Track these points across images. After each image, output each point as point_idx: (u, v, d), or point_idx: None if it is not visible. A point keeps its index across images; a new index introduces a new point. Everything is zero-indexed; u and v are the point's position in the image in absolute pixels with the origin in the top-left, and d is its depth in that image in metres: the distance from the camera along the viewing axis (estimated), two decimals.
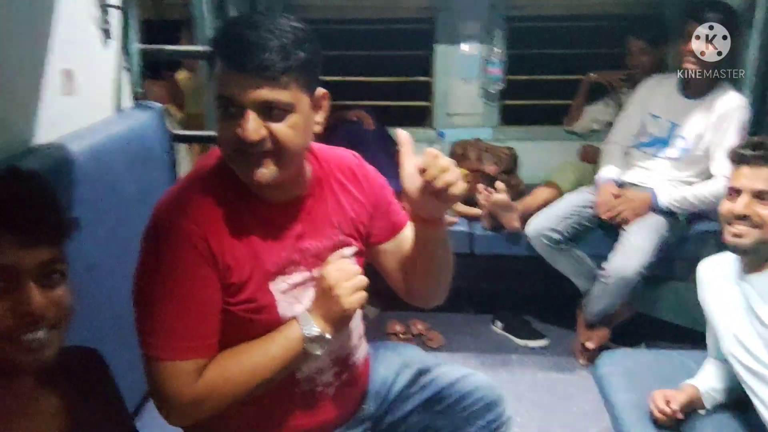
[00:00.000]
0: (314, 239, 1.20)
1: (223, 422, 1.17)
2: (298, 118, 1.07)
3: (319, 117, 1.14)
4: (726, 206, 1.47)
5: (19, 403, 0.87)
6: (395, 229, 1.32)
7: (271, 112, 1.04)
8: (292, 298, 1.16)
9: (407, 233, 1.31)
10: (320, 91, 1.13)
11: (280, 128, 1.05)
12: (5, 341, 0.81)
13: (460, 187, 1.07)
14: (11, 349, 0.82)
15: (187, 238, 1.07)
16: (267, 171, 1.07)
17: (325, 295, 1.13)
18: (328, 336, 1.12)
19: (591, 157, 2.93)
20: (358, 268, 1.16)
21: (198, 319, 1.08)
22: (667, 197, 2.43)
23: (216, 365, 1.10)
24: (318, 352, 1.13)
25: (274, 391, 1.16)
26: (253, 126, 1.03)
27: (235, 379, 1.10)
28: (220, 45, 1.06)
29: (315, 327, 1.11)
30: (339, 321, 1.13)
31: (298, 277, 1.17)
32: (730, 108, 2.37)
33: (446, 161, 1.06)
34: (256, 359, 1.11)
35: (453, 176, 1.05)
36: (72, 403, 0.94)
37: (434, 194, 1.07)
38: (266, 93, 1.03)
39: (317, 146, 1.25)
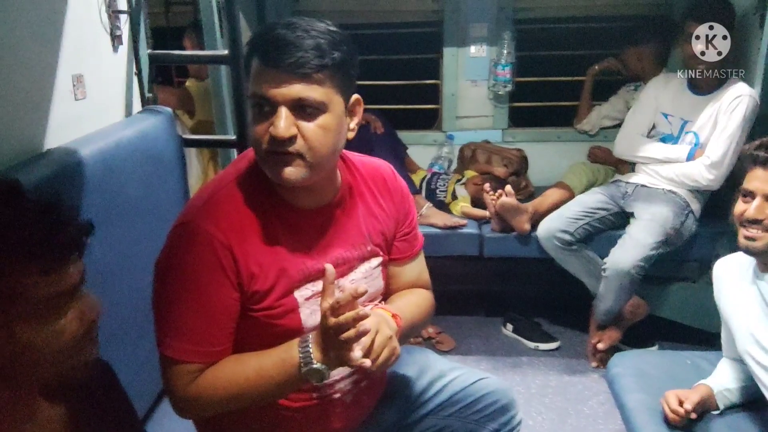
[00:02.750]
0: (343, 248, 1.19)
1: (238, 424, 1.18)
2: (329, 119, 1.07)
3: (353, 123, 1.14)
4: (739, 209, 1.45)
5: (21, 415, 0.85)
6: (406, 256, 1.32)
7: (303, 110, 1.05)
8: (316, 305, 1.15)
9: (411, 266, 1.33)
10: (355, 96, 1.13)
11: (310, 127, 1.05)
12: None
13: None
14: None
15: (209, 245, 1.07)
16: (296, 171, 1.06)
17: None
18: (327, 372, 1.07)
19: (600, 158, 2.92)
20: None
21: (207, 326, 1.09)
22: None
23: (215, 370, 1.10)
24: (315, 383, 1.10)
25: (291, 396, 1.16)
26: (285, 123, 1.03)
27: (225, 390, 1.10)
28: (257, 44, 1.07)
29: (314, 362, 1.05)
30: (342, 363, 1.09)
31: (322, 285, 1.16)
32: (736, 96, 2.35)
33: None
34: (249, 374, 1.09)
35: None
36: (78, 415, 0.93)
37: None
38: (299, 90, 1.03)
39: (350, 154, 1.25)
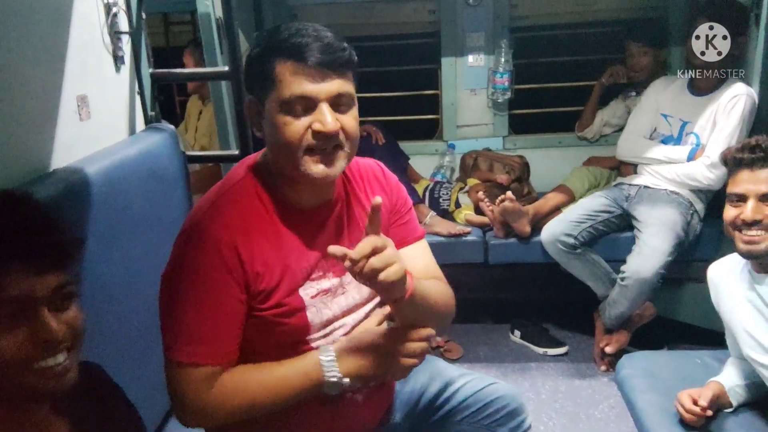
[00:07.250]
0: (345, 244, 1.20)
1: (249, 424, 1.18)
2: (355, 111, 1.13)
3: None
4: (731, 213, 1.44)
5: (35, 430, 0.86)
6: (404, 242, 1.32)
7: (339, 105, 1.09)
8: (321, 303, 1.17)
9: (413, 251, 1.31)
10: None
11: (348, 119, 1.10)
12: (25, 370, 0.80)
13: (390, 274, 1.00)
14: (32, 377, 0.81)
15: (215, 246, 1.08)
16: (338, 164, 1.11)
17: (370, 353, 1.11)
18: (346, 381, 1.11)
19: (598, 165, 2.94)
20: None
21: (216, 327, 1.10)
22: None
23: (234, 377, 1.10)
24: (335, 392, 1.14)
25: None
26: (332, 118, 1.07)
27: (250, 396, 1.11)
28: (284, 49, 1.07)
29: (337, 373, 1.11)
30: (367, 380, 1.12)
31: (326, 283, 1.18)
32: (734, 96, 2.36)
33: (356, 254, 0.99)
34: (274, 382, 1.11)
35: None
36: (88, 423, 0.93)
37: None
38: (339, 85, 1.08)
39: None
